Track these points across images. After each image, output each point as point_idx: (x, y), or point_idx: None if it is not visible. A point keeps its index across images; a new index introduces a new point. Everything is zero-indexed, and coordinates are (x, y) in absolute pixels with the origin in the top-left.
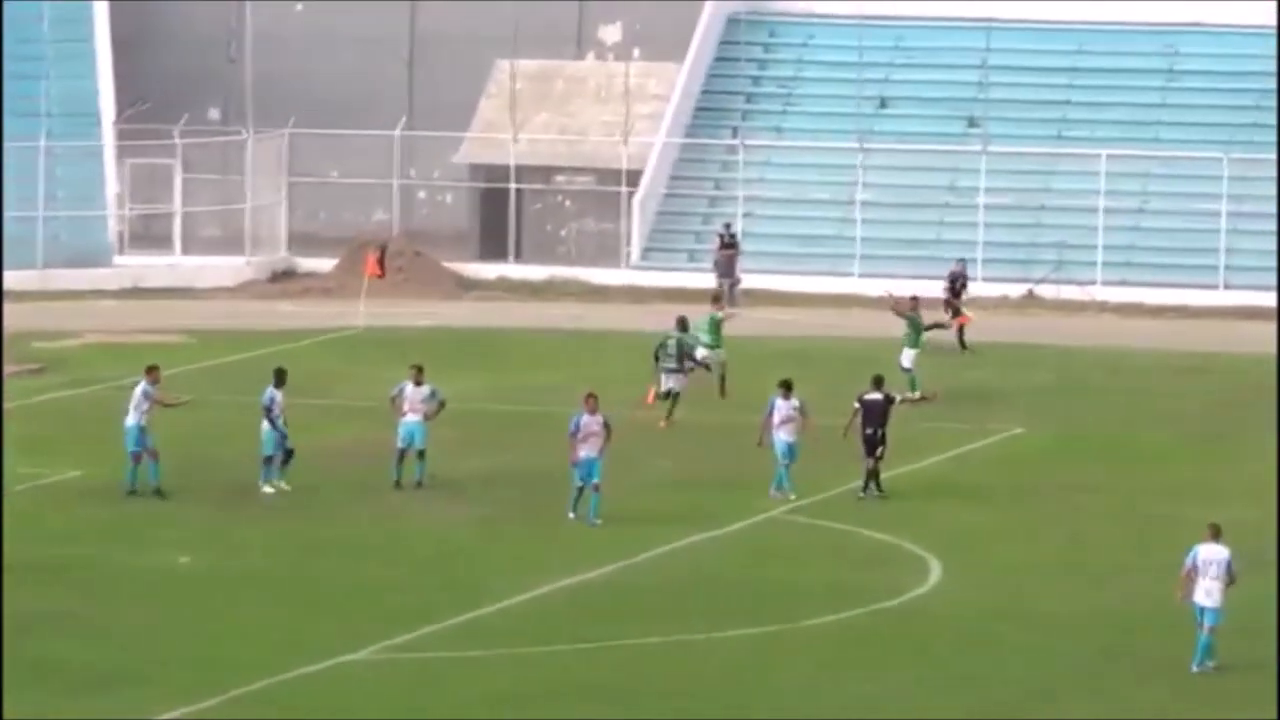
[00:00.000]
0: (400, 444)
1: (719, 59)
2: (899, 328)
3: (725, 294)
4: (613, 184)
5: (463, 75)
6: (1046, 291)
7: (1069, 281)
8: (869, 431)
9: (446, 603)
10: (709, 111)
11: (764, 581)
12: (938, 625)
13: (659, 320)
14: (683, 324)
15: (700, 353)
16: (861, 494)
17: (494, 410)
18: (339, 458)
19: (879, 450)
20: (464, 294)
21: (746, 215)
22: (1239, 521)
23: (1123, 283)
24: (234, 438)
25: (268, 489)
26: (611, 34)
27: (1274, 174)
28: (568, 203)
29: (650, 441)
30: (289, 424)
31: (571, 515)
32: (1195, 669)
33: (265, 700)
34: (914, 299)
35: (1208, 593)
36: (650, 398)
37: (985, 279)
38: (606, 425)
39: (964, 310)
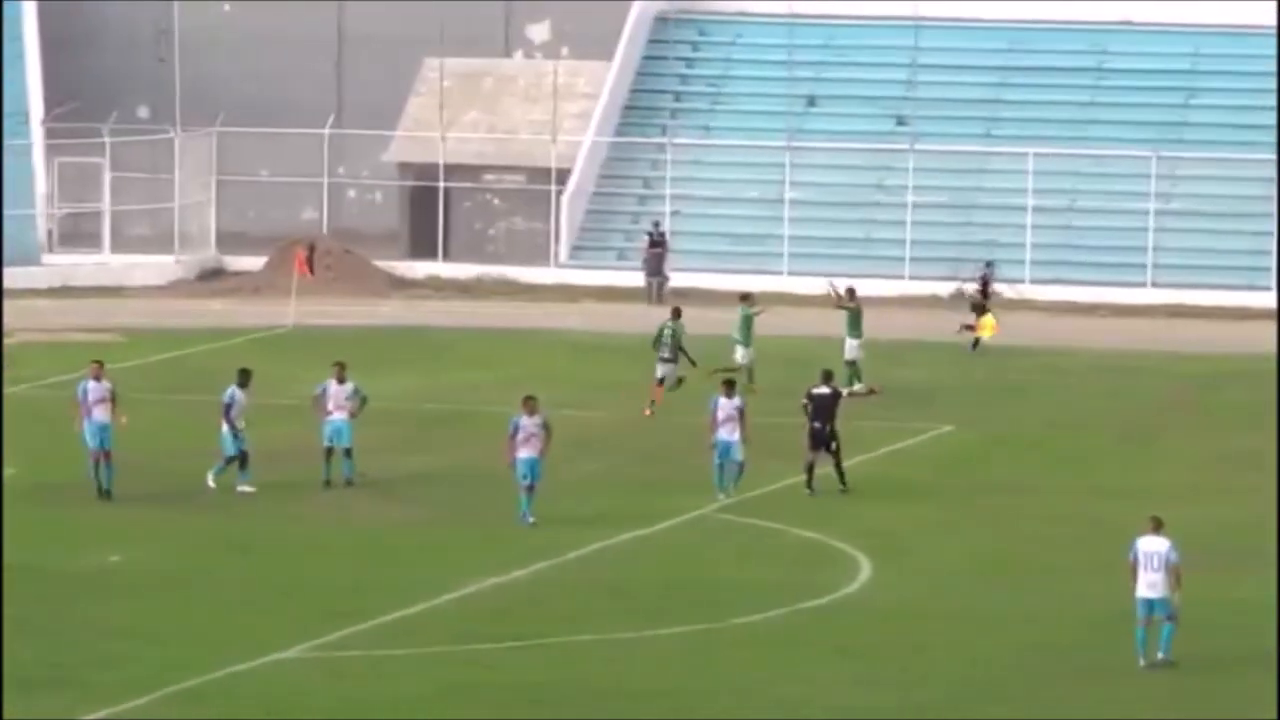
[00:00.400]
0: (326, 443)
1: (647, 58)
2: (828, 325)
3: (651, 293)
4: (542, 183)
5: (391, 74)
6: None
7: (998, 280)
8: (816, 425)
9: (378, 601)
10: (638, 110)
11: (694, 580)
12: (867, 623)
13: (588, 320)
14: (677, 313)
15: (739, 353)
16: (809, 490)
17: (424, 409)
18: (269, 457)
19: (832, 445)
20: (393, 292)
21: (675, 214)
22: (1170, 521)
23: (1052, 281)
24: (166, 436)
25: (245, 488)
26: (540, 33)
27: (1206, 173)
28: (497, 201)
29: (582, 441)
30: (249, 424)
31: (531, 519)
32: (1161, 656)
33: (196, 699)
34: (850, 290)
35: (1150, 585)
36: (659, 397)
37: (913, 277)
38: (546, 426)
39: (990, 315)
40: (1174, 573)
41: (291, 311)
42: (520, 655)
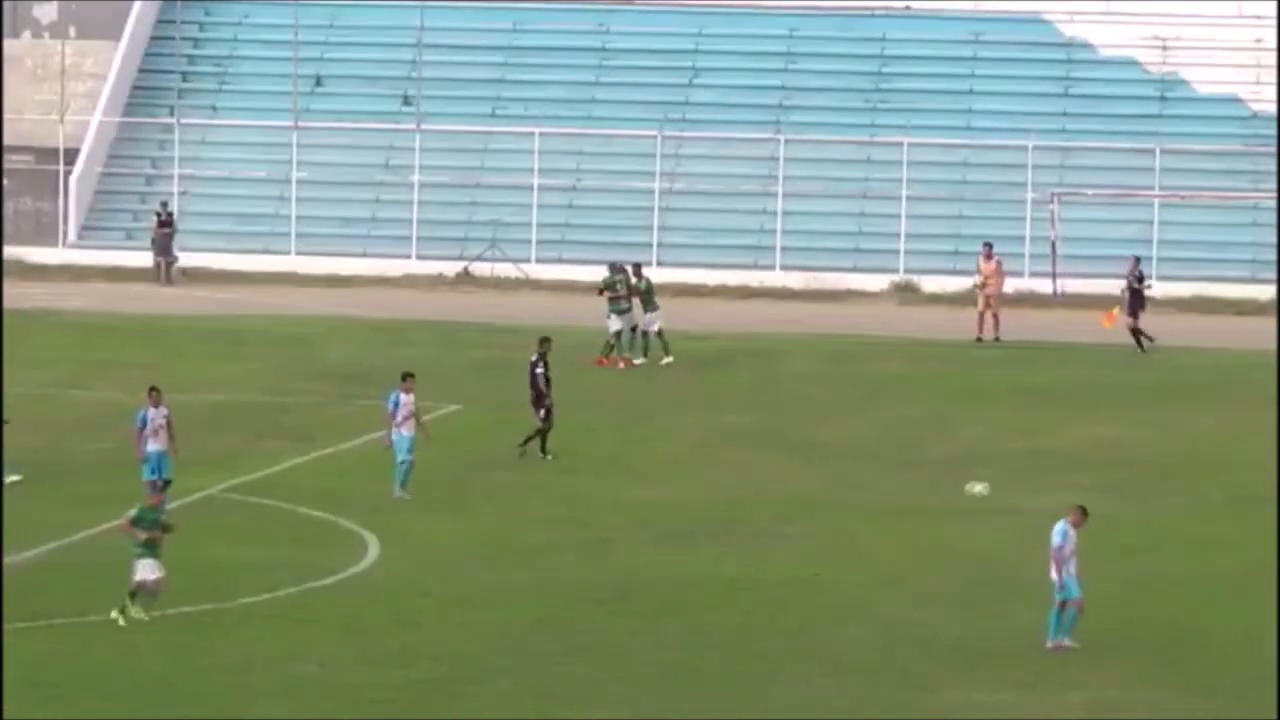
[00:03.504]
0: None
1: (156, 38)
2: (337, 305)
3: (160, 273)
4: (50, 163)
5: None
6: (482, 269)
7: (504, 259)
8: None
9: None
10: (146, 90)
11: (201, 560)
12: (374, 602)
13: (96, 300)
14: (614, 267)
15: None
16: (521, 448)
17: None
18: None
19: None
20: None
21: (183, 194)
22: (663, 497)
23: (557, 260)
24: None
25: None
26: (47, 13)
27: (708, 153)
28: (5, 181)
29: (91, 421)
30: None
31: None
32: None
33: None
34: (621, 270)
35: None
36: (615, 362)
37: (419, 257)
38: (169, 419)
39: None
40: (1053, 558)
41: None
42: (29, 635)
